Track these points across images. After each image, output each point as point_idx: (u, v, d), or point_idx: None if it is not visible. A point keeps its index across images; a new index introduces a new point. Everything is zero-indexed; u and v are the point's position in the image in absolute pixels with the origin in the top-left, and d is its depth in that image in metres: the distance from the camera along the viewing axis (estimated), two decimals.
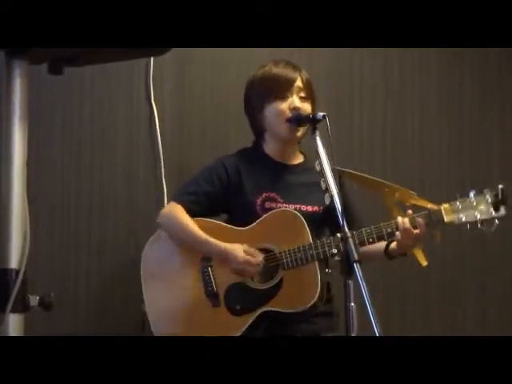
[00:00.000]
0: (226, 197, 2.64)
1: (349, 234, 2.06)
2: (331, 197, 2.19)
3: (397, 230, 2.42)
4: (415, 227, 2.41)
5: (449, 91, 3.51)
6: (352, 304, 1.98)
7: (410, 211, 2.43)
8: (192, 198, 2.63)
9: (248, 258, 2.51)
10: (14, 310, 1.64)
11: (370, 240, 2.43)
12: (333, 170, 2.24)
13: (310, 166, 2.63)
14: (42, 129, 2.84)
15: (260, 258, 2.53)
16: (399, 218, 2.42)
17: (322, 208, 2.59)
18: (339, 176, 2.56)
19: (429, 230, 2.42)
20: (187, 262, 2.61)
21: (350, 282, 2.00)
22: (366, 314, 1.93)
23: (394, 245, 2.53)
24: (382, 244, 2.56)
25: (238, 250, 2.53)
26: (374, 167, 3.33)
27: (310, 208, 2.61)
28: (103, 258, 2.93)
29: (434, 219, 2.41)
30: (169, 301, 2.59)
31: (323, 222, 2.59)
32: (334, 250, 2.43)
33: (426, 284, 3.38)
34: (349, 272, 2.01)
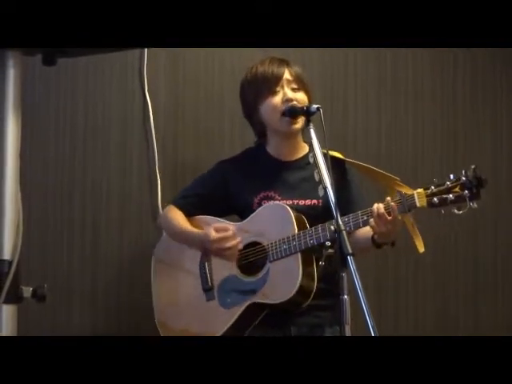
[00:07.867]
0: (222, 198, 2.69)
1: (342, 227, 2.06)
2: (324, 188, 2.19)
3: (371, 216, 2.39)
4: (389, 213, 2.37)
5: (441, 84, 3.51)
6: (345, 297, 1.99)
7: (388, 198, 2.40)
8: (185, 200, 2.73)
9: (219, 235, 2.55)
10: (7, 301, 1.64)
11: (347, 229, 2.41)
12: (325, 157, 2.23)
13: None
14: (35, 120, 2.83)
15: (231, 232, 2.55)
16: (374, 205, 2.39)
17: (321, 201, 2.59)
18: (343, 163, 2.62)
19: (403, 215, 2.38)
20: (189, 259, 2.68)
21: (344, 274, 2.00)
22: (360, 306, 1.93)
23: None
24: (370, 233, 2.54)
25: (208, 230, 2.58)
26: (367, 161, 3.32)
27: (308, 202, 2.61)
28: (97, 250, 2.92)
29: (407, 204, 2.38)
30: (170, 296, 2.69)
31: (323, 215, 2.57)
32: (328, 243, 2.42)
33: (419, 276, 3.39)
34: (342, 265, 2.01)
